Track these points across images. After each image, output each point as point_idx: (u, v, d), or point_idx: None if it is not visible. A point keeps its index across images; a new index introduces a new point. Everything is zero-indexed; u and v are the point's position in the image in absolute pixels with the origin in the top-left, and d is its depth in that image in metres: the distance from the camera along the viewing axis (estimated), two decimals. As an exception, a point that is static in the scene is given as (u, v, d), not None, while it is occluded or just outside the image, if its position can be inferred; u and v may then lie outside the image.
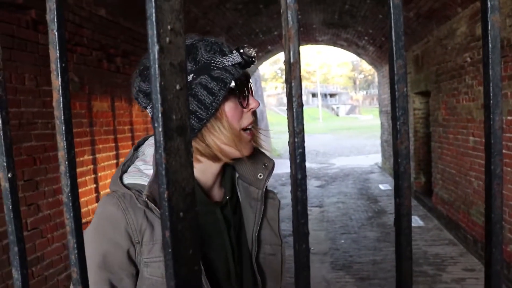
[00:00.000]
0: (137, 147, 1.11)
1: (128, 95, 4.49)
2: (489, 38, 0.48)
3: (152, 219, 0.96)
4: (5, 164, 0.49)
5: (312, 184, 10.96)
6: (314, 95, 62.27)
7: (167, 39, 0.38)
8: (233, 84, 0.95)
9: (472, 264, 5.07)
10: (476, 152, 5.25)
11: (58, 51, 0.43)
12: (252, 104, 1.01)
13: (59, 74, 0.43)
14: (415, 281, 4.61)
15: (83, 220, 3.71)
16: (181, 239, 0.40)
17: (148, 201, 0.94)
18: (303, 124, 0.44)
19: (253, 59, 0.98)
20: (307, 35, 10.42)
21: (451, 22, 5.80)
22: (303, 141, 0.44)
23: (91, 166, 3.94)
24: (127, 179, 1.03)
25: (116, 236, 0.96)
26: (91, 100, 3.98)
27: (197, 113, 0.93)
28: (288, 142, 0.45)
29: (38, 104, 3.22)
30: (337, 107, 61.82)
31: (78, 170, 3.62)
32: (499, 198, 0.48)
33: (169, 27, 0.38)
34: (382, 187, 9.96)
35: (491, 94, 0.49)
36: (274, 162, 1.14)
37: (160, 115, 0.38)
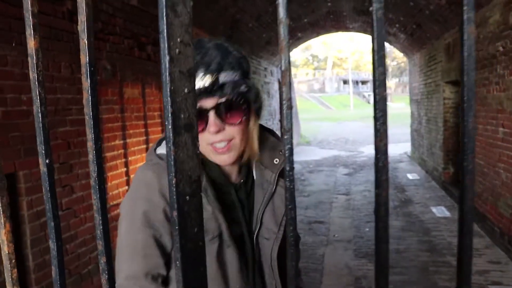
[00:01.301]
0: None
1: (158, 82, 4.62)
2: (465, 47, 0.53)
3: None
4: (43, 151, 0.58)
5: (340, 172, 10.96)
6: (345, 82, 61.52)
7: (177, 50, 0.46)
8: None
9: (498, 256, 5.02)
10: (505, 143, 5.16)
11: (87, 57, 0.51)
12: (210, 128, 1.08)
13: (88, 76, 0.52)
14: (438, 272, 4.61)
15: (114, 202, 3.87)
16: (187, 218, 0.48)
17: None
18: (291, 123, 0.51)
19: (209, 88, 1.03)
20: (338, 22, 10.32)
21: (484, 10, 5.67)
22: (291, 138, 0.52)
23: (122, 151, 4.09)
24: (161, 149, 1.18)
25: (152, 196, 1.10)
26: (122, 87, 4.12)
27: None
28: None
29: (73, 91, 3.37)
30: (369, 95, 60.89)
31: (109, 154, 3.78)
32: None
33: (179, 39, 0.46)
34: (410, 176, 9.87)
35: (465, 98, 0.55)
36: None
37: (170, 115, 0.47)
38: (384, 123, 0.53)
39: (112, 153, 3.91)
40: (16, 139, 2.81)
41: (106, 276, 0.56)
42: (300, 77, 64.24)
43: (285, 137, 0.52)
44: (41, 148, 0.59)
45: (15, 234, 2.81)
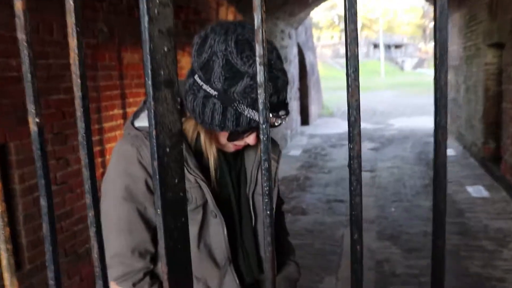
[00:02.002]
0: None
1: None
2: (437, 5, 0.62)
3: None
4: (33, 111, 0.68)
5: (365, 147, 11.00)
6: (376, 46, 60.71)
7: (156, 10, 0.56)
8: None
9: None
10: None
11: (73, 17, 0.61)
12: (251, 140, 1.26)
13: (75, 36, 0.61)
14: (470, 256, 4.71)
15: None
16: (167, 169, 0.58)
17: None
18: (264, 78, 0.61)
19: (281, 106, 1.20)
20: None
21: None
22: (264, 93, 0.61)
23: (121, 121, 4.22)
24: (138, 122, 1.31)
25: (132, 168, 1.23)
26: (121, 51, 4.22)
27: (201, 117, 1.20)
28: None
29: (66, 56, 3.48)
30: (402, 61, 60.05)
31: (107, 124, 3.91)
32: None
33: (157, 0, 0.56)
34: (445, 152, 9.87)
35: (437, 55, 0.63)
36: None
37: (149, 71, 0.57)
38: (356, 79, 0.63)
39: (110, 124, 4.04)
40: (7, 107, 2.94)
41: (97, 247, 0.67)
42: (324, 40, 63.53)
43: (259, 91, 0.62)
44: (31, 107, 0.69)
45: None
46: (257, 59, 0.60)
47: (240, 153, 1.40)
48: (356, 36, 0.62)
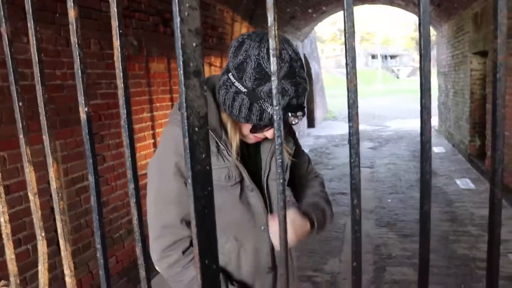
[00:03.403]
0: None
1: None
2: (421, 4, 0.66)
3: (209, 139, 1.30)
4: (83, 102, 0.73)
5: (364, 146, 10.99)
6: (373, 56, 60.41)
7: (186, 13, 0.61)
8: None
9: (520, 226, 5.06)
10: (530, 114, 5.13)
11: (117, 21, 0.66)
12: (269, 134, 1.32)
13: (118, 37, 0.66)
14: (458, 240, 4.70)
15: (143, 171, 4.09)
16: (196, 145, 0.63)
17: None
18: (278, 66, 0.65)
19: (300, 107, 1.22)
20: (363, -5, 10.20)
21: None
22: (278, 79, 0.65)
23: (150, 123, 4.29)
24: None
25: (181, 149, 1.25)
26: (148, 62, 4.29)
27: (230, 110, 1.25)
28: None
29: (102, 66, 3.56)
30: (398, 69, 59.72)
31: (137, 126, 3.98)
32: None
33: (187, 4, 0.60)
34: (436, 149, 9.83)
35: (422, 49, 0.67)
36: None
37: (181, 63, 0.62)
38: (354, 67, 0.67)
39: (140, 125, 4.11)
40: (52, 111, 3.02)
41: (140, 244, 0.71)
42: (327, 52, 63.37)
43: (272, 78, 0.66)
44: (81, 99, 0.74)
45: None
46: (271, 51, 0.64)
47: (257, 145, 1.44)
48: (353, 32, 0.66)
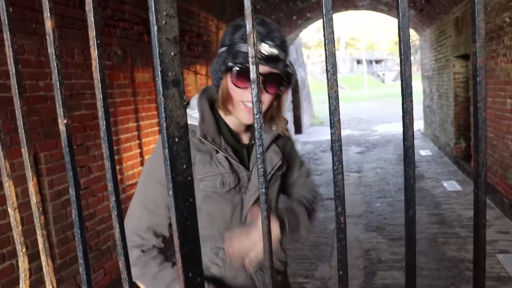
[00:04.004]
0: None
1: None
2: (400, 8, 0.65)
3: (203, 148, 1.31)
4: (62, 114, 0.71)
5: (352, 151, 11.03)
6: (359, 62, 60.88)
7: (163, 21, 0.59)
8: (236, 68, 1.24)
9: (507, 227, 5.10)
10: (513, 115, 5.20)
11: (94, 31, 0.65)
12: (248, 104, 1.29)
13: (96, 47, 0.65)
14: (447, 242, 4.72)
15: (129, 182, 4.05)
16: (176, 156, 0.61)
17: (201, 138, 1.30)
18: (258, 74, 0.64)
19: (271, 58, 1.23)
20: (346, 1, 10.29)
21: (490, -17, 5.65)
22: (258, 87, 0.65)
23: (136, 133, 4.25)
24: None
25: None
26: (133, 71, 4.26)
27: (216, 72, 1.29)
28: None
29: (86, 76, 3.53)
30: (383, 74, 60.22)
31: (123, 136, 3.94)
32: None
33: (165, 13, 0.59)
34: (422, 152, 9.91)
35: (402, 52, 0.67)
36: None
37: (159, 73, 0.60)
38: (334, 74, 0.66)
39: (126, 135, 4.07)
40: (36, 123, 2.98)
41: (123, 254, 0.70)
42: (313, 58, 63.70)
43: (252, 86, 0.65)
44: (59, 111, 0.73)
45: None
46: (249, 59, 0.63)
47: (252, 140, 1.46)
48: (332, 38, 0.65)
